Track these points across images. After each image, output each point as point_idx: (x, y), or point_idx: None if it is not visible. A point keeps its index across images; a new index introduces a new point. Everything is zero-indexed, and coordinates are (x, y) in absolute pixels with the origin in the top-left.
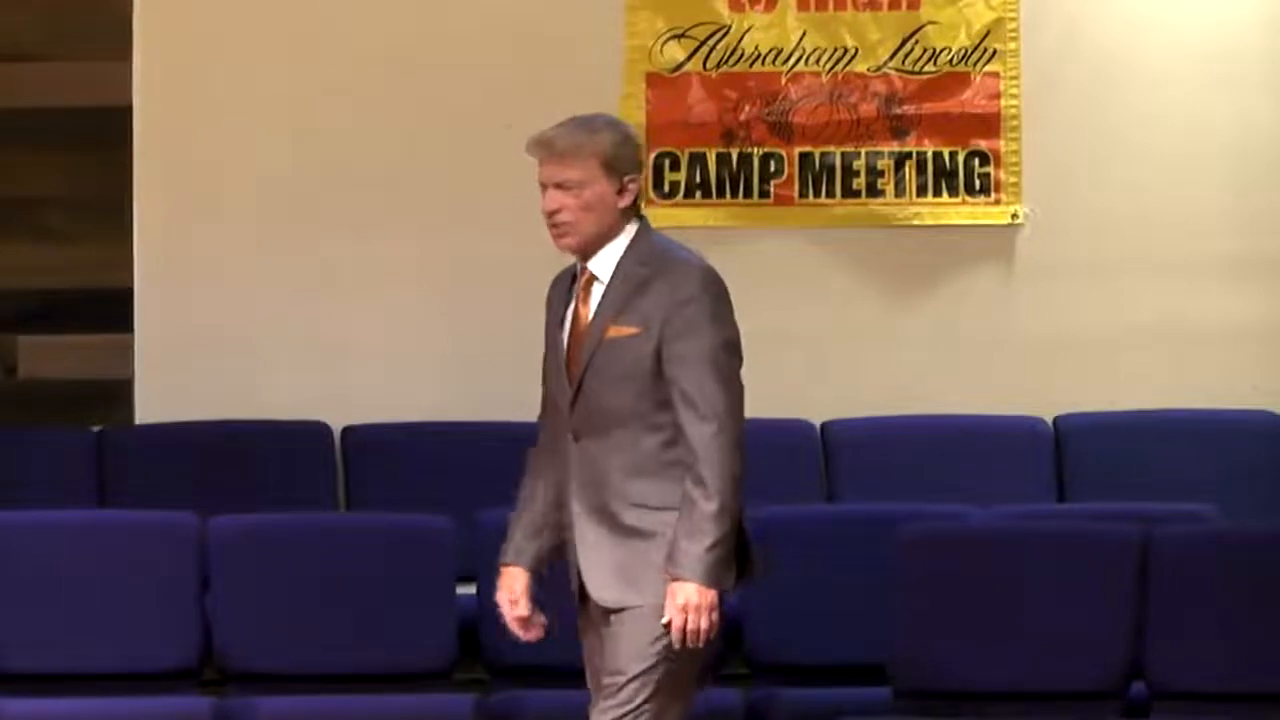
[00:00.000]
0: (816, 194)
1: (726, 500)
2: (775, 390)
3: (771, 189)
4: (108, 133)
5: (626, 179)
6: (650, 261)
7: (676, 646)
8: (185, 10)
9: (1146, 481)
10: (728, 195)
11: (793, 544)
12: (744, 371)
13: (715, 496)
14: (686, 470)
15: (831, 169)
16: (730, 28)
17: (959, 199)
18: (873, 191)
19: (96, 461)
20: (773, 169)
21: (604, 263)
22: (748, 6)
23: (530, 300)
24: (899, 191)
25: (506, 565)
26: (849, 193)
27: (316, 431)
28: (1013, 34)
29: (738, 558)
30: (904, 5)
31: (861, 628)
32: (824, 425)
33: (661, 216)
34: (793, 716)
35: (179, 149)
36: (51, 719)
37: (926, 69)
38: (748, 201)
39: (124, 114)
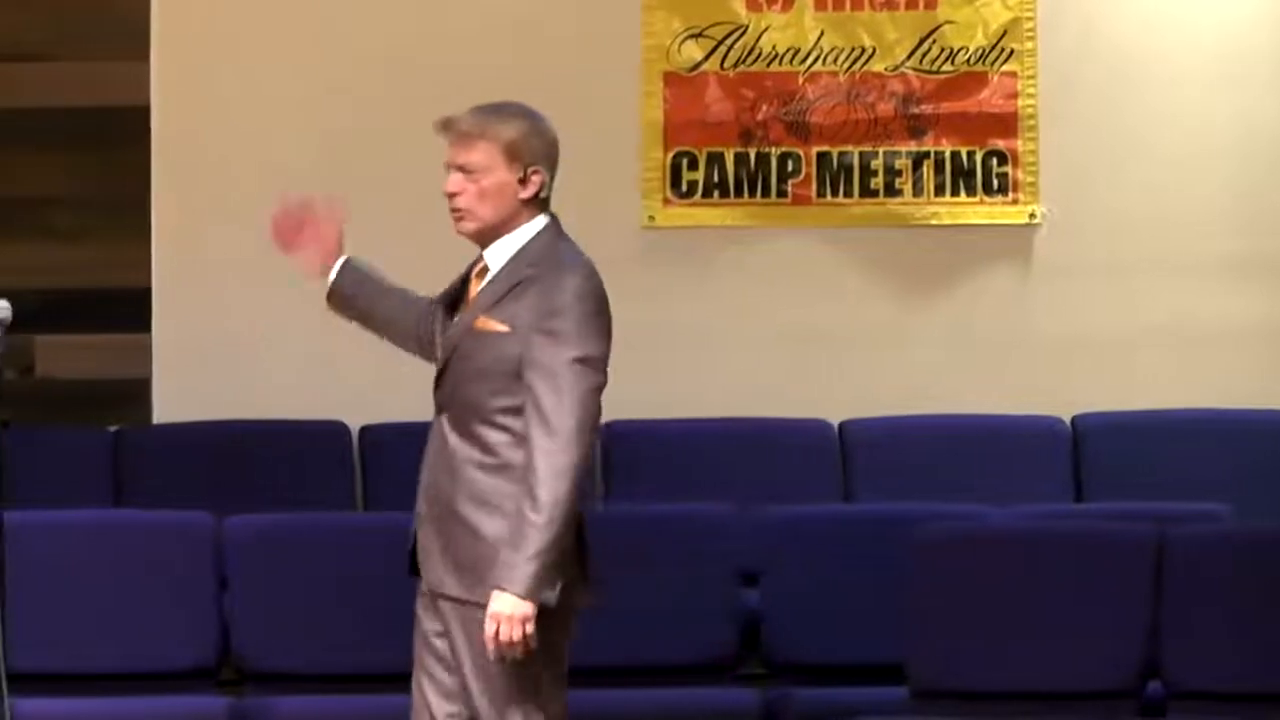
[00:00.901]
0: (834, 193)
1: (554, 516)
2: (793, 390)
3: (789, 188)
4: (125, 133)
5: (530, 170)
6: (540, 263)
7: (491, 656)
8: (203, 10)
9: (1163, 481)
10: (745, 195)
11: (810, 544)
12: (761, 369)
13: (543, 511)
14: (522, 480)
15: (849, 168)
16: (748, 27)
17: (976, 198)
18: (890, 191)
19: (113, 461)
20: (790, 168)
21: (498, 254)
22: (765, 6)
23: None
24: (916, 191)
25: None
26: (866, 192)
27: (334, 431)
28: (1030, 33)
29: (575, 571)
30: (921, 5)
31: (878, 627)
32: (841, 425)
33: (679, 216)
34: (809, 716)
35: (196, 149)
36: (68, 719)
37: (944, 68)
38: (765, 201)
39: (141, 114)
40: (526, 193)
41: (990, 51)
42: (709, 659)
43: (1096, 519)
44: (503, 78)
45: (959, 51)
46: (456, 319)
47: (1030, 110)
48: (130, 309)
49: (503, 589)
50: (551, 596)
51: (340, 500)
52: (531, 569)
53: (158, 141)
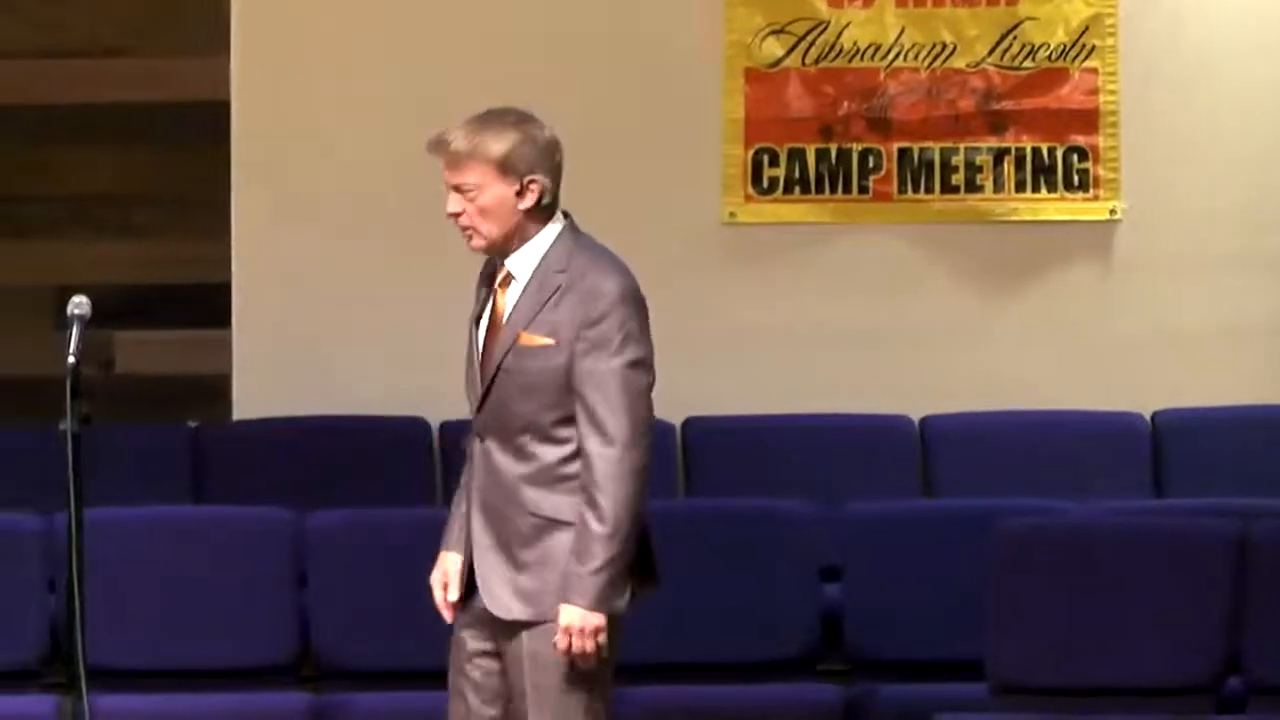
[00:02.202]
0: (915, 190)
1: (619, 525)
2: (874, 385)
3: (870, 185)
4: (205, 128)
5: (527, 180)
6: (569, 268)
7: (564, 669)
8: (283, 5)
9: (1243, 476)
10: (826, 191)
11: (891, 539)
12: (842, 365)
13: (608, 521)
14: (583, 490)
15: (930, 165)
16: (829, 23)
17: (1057, 195)
18: (971, 187)
19: (193, 458)
20: (871, 165)
21: (522, 263)
22: (846, 2)
23: None
24: (997, 187)
25: (445, 550)
26: (948, 188)
27: (414, 427)
28: (1111, 29)
29: (639, 567)
30: (1002, 1)
31: (958, 623)
32: (922, 420)
33: (759, 212)
34: (892, 712)
35: (276, 144)
36: (148, 716)
37: (1025, 65)
38: (846, 197)
39: (222, 110)
40: (526, 203)
41: (1071, 48)
42: (790, 655)
43: (1177, 515)
44: (584, 76)
45: (1040, 48)
46: (483, 335)
47: (1111, 106)
48: (210, 305)
49: (572, 602)
50: (621, 605)
51: (420, 496)
52: (601, 580)
53: (238, 137)
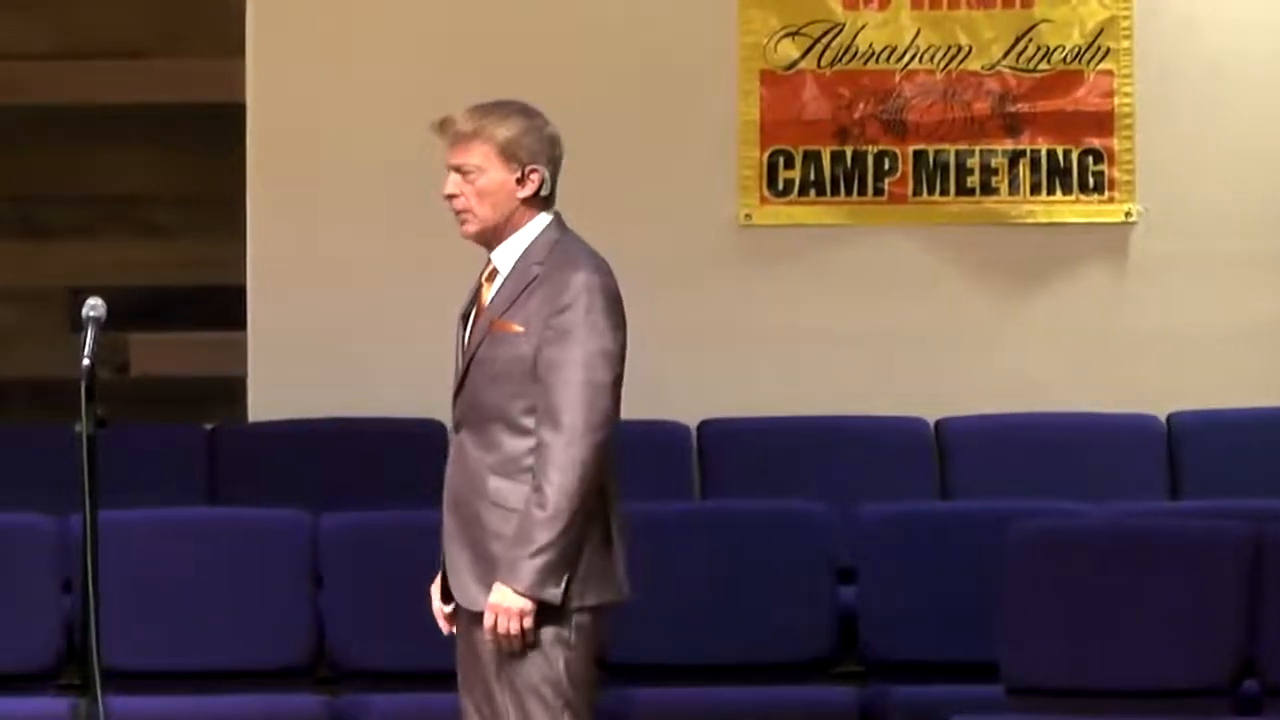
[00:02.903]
0: (930, 192)
1: (560, 511)
2: (889, 387)
3: (886, 187)
4: (221, 130)
5: (528, 168)
6: (547, 260)
7: (489, 650)
8: (299, 7)
9: (1259, 479)
10: (842, 193)
11: (906, 541)
12: (857, 367)
13: (547, 505)
14: (532, 476)
15: (945, 167)
16: (844, 26)
17: (1073, 197)
18: (986, 189)
19: (208, 459)
20: (887, 167)
21: (505, 255)
22: (861, 4)
23: (647, 297)
24: (1013, 189)
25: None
26: (963, 191)
27: (429, 429)
28: (1126, 32)
29: (605, 574)
30: (1017, 3)
31: (974, 625)
32: (938, 423)
33: (775, 214)
34: (906, 714)
35: (292, 146)
36: (163, 717)
37: (1040, 67)
38: (862, 199)
39: (237, 111)
40: (525, 191)
41: (1086, 50)
42: (805, 657)
43: (1192, 517)
44: (599, 78)
45: (1055, 50)
46: (469, 331)
47: (1126, 109)
48: (225, 307)
49: (504, 582)
50: (555, 594)
51: (436, 498)
52: (535, 564)
53: (253, 139)
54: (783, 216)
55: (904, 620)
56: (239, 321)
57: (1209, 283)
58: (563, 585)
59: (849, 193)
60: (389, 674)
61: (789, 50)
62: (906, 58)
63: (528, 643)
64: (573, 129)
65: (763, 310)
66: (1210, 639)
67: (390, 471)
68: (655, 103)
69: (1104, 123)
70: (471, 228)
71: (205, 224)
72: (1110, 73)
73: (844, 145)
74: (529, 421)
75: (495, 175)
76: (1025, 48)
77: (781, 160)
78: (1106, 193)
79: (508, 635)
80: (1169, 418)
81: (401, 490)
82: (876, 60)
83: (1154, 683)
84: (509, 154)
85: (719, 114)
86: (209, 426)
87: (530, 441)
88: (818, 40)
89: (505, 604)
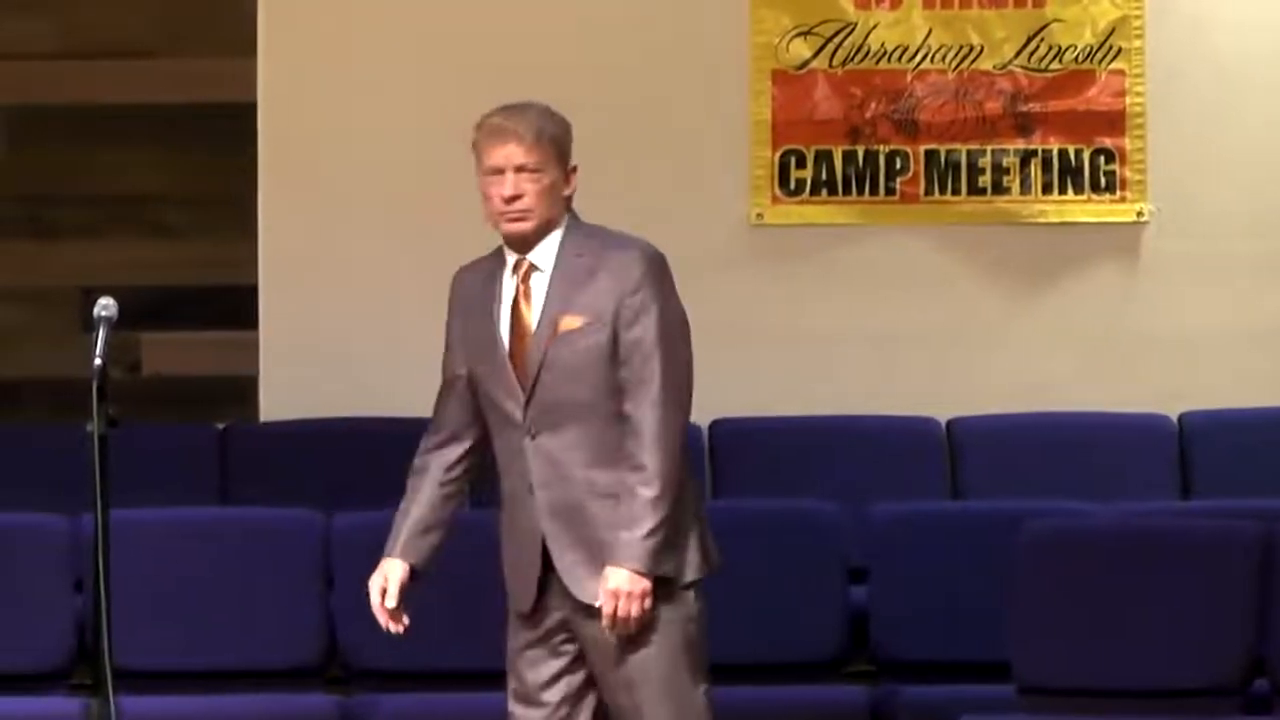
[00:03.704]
0: (942, 191)
1: (667, 486)
2: (900, 387)
3: (897, 186)
4: (232, 129)
5: (570, 167)
6: (587, 251)
7: (607, 633)
8: (310, 6)
9: (1270, 479)
10: (853, 193)
11: (917, 541)
12: (869, 367)
13: (655, 482)
14: (628, 457)
15: (957, 166)
16: (856, 25)
17: (1084, 196)
18: (998, 189)
19: (220, 459)
20: (898, 166)
21: (543, 253)
22: (873, 4)
23: None
24: (1024, 189)
25: (389, 557)
26: (974, 190)
27: None
28: (1138, 31)
29: (702, 547)
30: (1029, 3)
31: (985, 625)
32: (949, 422)
33: (787, 214)
34: (917, 714)
35: (303, 145)
36: (175, 717)
37: (1052, 66)
38: (873, 199)
39: (249, 111)
40: (570, 190)
41: (1098, 49)
42: (816, 657)
43: (1203, 516)
44: (611, 78)
45: (1067, 49)
46: (506, 332)
47: (1138, 108)
48: (237, 306)
49: (619, 564)
50: (671, 570)
51: None
52: (650, 544)
53: (264, 138)
54: (794, 216)
55: (915, 620)
56: (250, 321)
57: (1220, 282)
58: (675, 560)
59: (861, 192)
60: (400, 674)
61: (801, 50)
62: (918, 57)
63: (646, 624)
64: (584, 129)
65: (774, 310)
66: (1220, 639)
67: (401, 472)
68: (667, 102)
69: (1115, 122)
70: (528, 226)
71: (216, 224)
72: (1122, 72)
73: (856, 145)
74: (616, 407)
75: (553, 175)
76: (1037, 47)
77: (793, 160)
78: (1118, 192)
79: (628, 618)
80: (1180, 417)
81: None
82: (888, 60)
83: (1164, 682)
84: (562, 154)
85: (731, 113)
86: (220, 426)
87: (620, 426)
88: (829, 40)
89: (626, 587)
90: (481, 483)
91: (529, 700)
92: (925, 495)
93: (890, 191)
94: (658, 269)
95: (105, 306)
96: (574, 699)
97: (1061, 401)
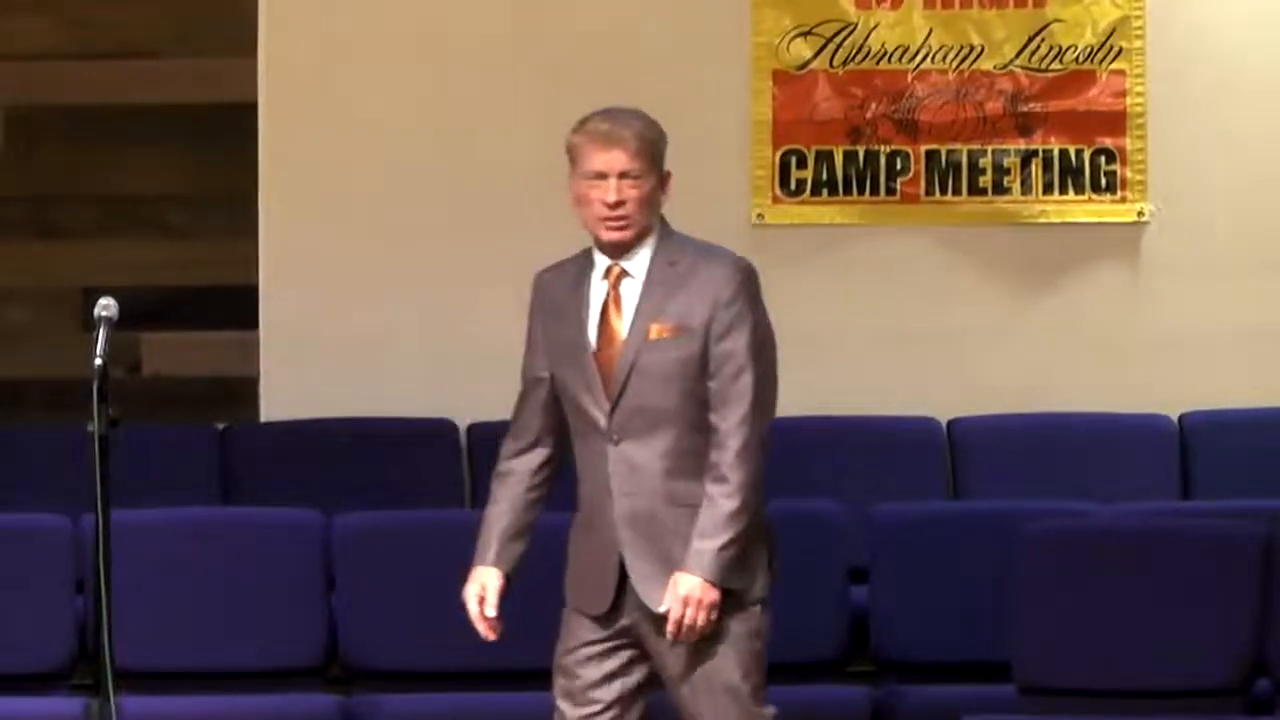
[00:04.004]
0: (943, 191)
1: (747, 501)
2: (901, 387)
3: (898, 187)
4: (232, 129)
5: (665, 174)
6: (680, 260)
7: (670, 639)
8: (309, 6)
9: (1271, 479)
10: (854, 193)
11: (918, 541)
12: (869, 367)
13: (737, 495)
14: (712, 467)
15: (958, 167)
16: (856, 25)
17: (1085, 197)
18: (999, 189)
19: (221, 459)
20: (899, 167)
21: (637, 261)
22: (874, 4)
23: None
24: (1025, 189)
25: (484, 565)
26: (975, 190)
27: (442, 429)
28: (1138, 31)
29: (771, 563)
30: (1030, 3)
31: (986, 625)
32: (950, 423)
33: (787, 214)
34: (919, 714)
35: (304, 145)
36: (176, 717)
37: (1052, 67)
38: (874, 199)
39: (249, 110)
40: (666, 196)
41: (1099, 50)
42: (818, 657)
43: (1204, 517)
44: (612, 76)
45: (1067, 50)
46: (594, 336)
47: (1139, 108)
48: (238, 306)
49: (691, 573)
50: (741, 582)
51: (448, 498)
52: (725, 556)
53: (265, 138)
54: (795, 216)
55: (916, 620)
56: (251, 321)
57: (1221, 283)
58: (747, 575)
59: (861, 193)
60: (401, 674)
61: (801, 50)
62: (919, 57)
63: (711, 634)
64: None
65: (775, 310)
66: (1222, 639)
67: (403, 471)
68: (668, 102)
69: (1116, 122)
70: (629, 233)
71: (217, 224)
72: (1123, 72)
73: (856, 145)
74: (703, 418)
75: (652, 182)
76: (1038, 47)
77: (794, 160)
78: (1119, 192)
79: (694, 626)
80: (1180, 418)
81: (414, 490)
82: (889, 60)
83: (1166, 682)
84: (658, 162)
85: (731, 114)
86: (221, 426)
87: (704, 436)
88: (830, 40)
89: (696, 595)
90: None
91: (577, 698)
92: (926, 495)
93: (891, 192)
94: (751, 282)
95: (106, 306)
96: (625, 701)
97: (1062, 402)
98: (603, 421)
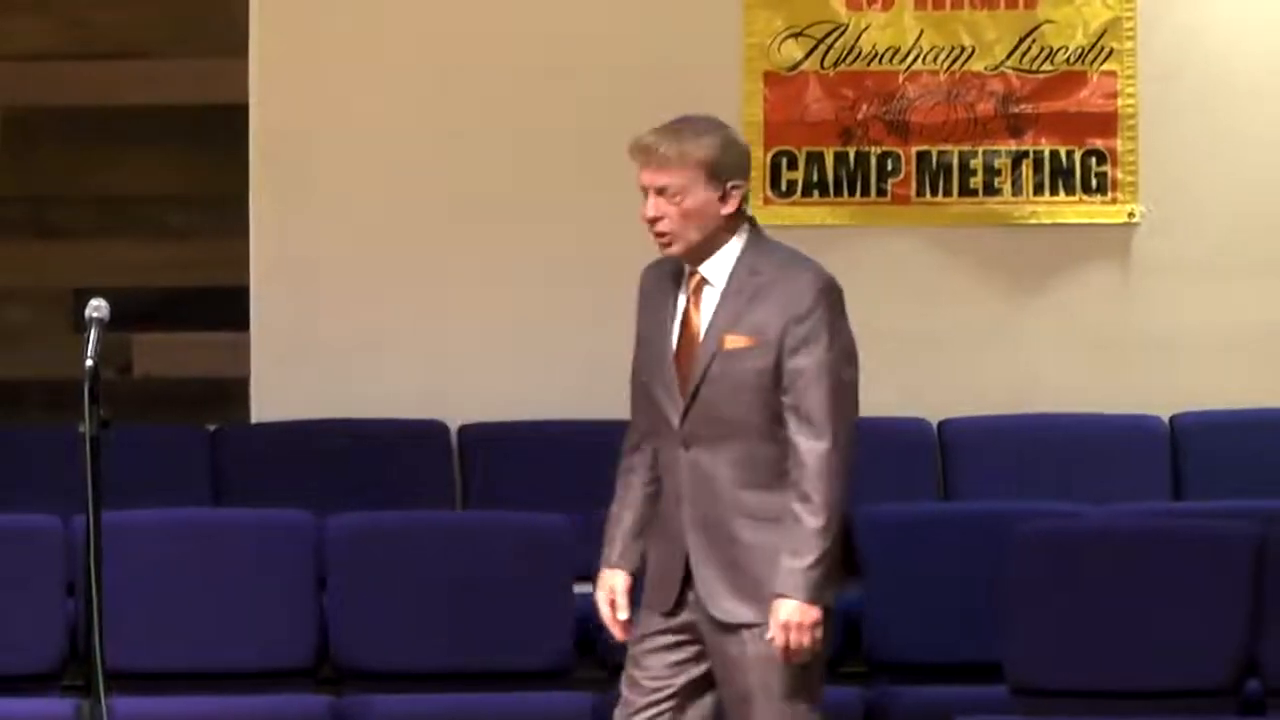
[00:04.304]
0: (934, 193)
1: (831, 517)
2: (891, 388)
3: (889, 188)
4: (224, 130)
5: (730, 185)
6: (764, 270)
7: (790, 667)
8: (301, 7)
9: (1262, 479)
10: (845, 194)
11: (910, 542)
12: (861, 369)
13: (821, 513)
14: (794, 486)
15: (949, 168)
16: (848, 26)
17: (1076, 198)
18: (990, 190)
19: (212, 460)
20: (890, 168)
21: (716, 269)
22: (865, 5)
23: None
24: (1016, 190)
25: (610, 567)
26: (966, 191)
27: (433, 430)
28: (1130, 33)
29: (843, 561)
30: (1021, 4)
31: (977, 625)
32: (941, 424)
33: (779, 215)
34: (910, 714)
35: (295, 146)
36: (167, 718)
37: (1043, 68)
38: (865, 200)
39: (240, 111)
40: (728, 209)
41: (1090, 51)
42: None
43: (1195, 517)
44: (602, 76)
45: (1058, 51)
46: (674, 343)
47: (1130, 110)
48: (229, 307)
49: (789, 596)
50: (831, 597)
51: (439, 499)
52: (816, 574)
53: (256, 139)
54: (786, 217)
55: (908, 621)
56: (242, 322)
57: (1212, 284)
58: (836, 584)
59: (852, 194)
60: (392, 674)
61: (793, 51)
62: (910, 59)
63: (817, 651)
64: (575, 131)
65: None
66: (1214, 640)
67: (394, 473)
68: (658, 104)
69: (1107, 124)
70: (678, 249)
71: (209, 225)
72: (1113, 74)
73: (847, 146)
74: (776, 430)
75: (700, 195)
76: (1029, 48)
77: (785, 161)
78: (1109, 194)
79: (800, 649)
80: (1172, 419)
81: (405, 491)
82: (880, 61)
83: (1158, 683)
84: (712, 174)
85: (723, 115)
86: (212, 428)
87: (777, 449)
88: (821, 41)
89: (798, 619)
90: None
91: (640, 687)
92: (917, 496)
93: (882, 193)
94: (830, 295)
95: (97, 308)
96: (686, 693)
97: (1053, 403)
98: (676, 426)
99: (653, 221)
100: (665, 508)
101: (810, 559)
